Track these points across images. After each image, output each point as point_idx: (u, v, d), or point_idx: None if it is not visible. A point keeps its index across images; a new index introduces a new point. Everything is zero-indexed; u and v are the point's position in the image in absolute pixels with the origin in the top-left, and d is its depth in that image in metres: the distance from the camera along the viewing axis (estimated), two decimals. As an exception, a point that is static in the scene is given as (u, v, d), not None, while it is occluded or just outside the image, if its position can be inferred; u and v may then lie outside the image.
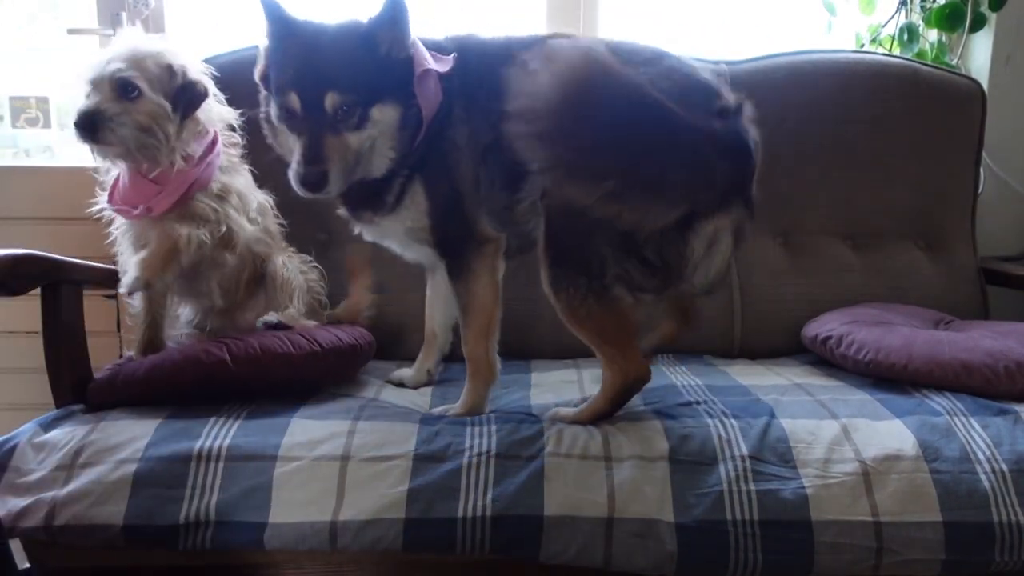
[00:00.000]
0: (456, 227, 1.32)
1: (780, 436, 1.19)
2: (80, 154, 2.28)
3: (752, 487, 1.12)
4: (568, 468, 1.13)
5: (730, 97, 1.23)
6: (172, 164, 1.33)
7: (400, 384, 1.53)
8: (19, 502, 1.12)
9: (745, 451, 1.16)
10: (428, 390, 1.51)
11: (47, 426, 1.21)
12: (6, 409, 2.02)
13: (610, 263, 1.19)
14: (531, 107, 1.06)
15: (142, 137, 1.28)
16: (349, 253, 1.68)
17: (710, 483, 1.12)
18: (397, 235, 1.39)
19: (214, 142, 1.40)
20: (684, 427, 1.21)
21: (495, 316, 1.35)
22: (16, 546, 1.13)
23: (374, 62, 1.23)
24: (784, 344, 1.76)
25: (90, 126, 1.24)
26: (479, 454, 1.14)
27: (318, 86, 1.20)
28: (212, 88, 1.37)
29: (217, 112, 1.40)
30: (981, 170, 1.95)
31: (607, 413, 1.26)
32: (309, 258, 1.64)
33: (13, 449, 1.17)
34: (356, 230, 1.43)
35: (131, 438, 1.16)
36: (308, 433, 1.18)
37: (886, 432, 1.20)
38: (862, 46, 2.19)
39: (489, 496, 1.10)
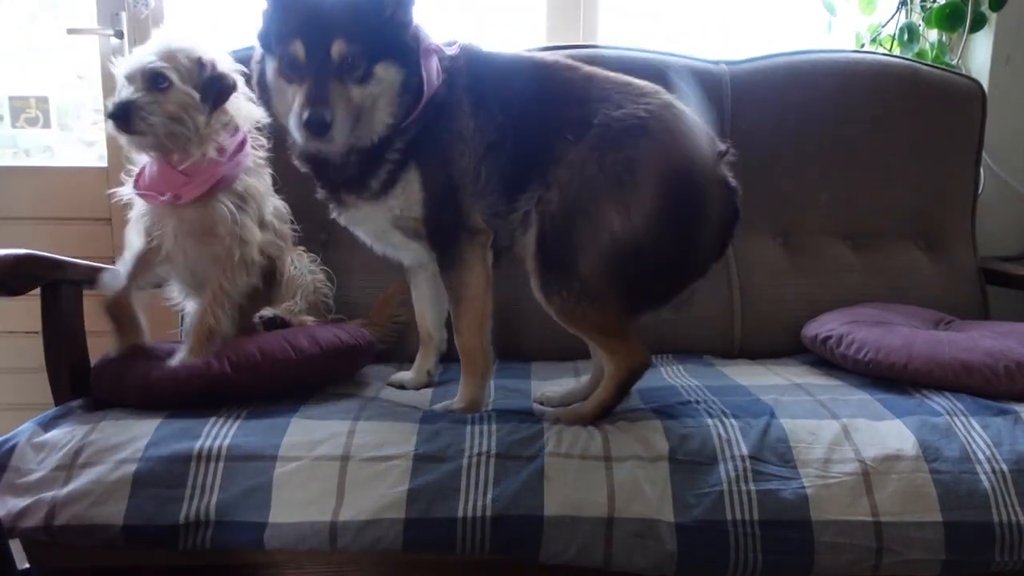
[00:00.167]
0: (450, 217, 1.32)
1: (780, 436, 1.19)
2: (80, 154, 2.30)
3: (752, 487, 1.12)
4: (568, 468, 1.13)
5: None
6: (204, 155, 1.36)
7: (400, 387, 1.53)
8: (19, 502, 1.12)
9: (745, 451, 1.16)
10: (429, 391, 1.51)
11: (46, 425, 1.21)
12: (6, 409, 2.03)
13: (602, 268, 1.21)
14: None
15: (172, 126, 1.32)
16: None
17: (710, 483, 1.12)
18: (378, 223, 1.37)
19: (243, 142, 1.43)
20: (684, 427, 1.21)
21: (488, 305, 1.35)
22: (16, 546, 1.12)
23: (379, 20, 1.23)
24: (784, 344, 1.75)
25: (124, 116, 1.28)
26: (479, 454, 1.14)
27: (325, 34, 1.19)
28: (242, 86, 1.38)
29: (247, 110, 1.42)
30: (981, 170, 1.96)
31: (613, 404, 1.27)
32: (317, 258, 1.64)
33: (13, 449, 1.17)
34: (333, 214, 1.42)
35: (131, 438, 1.16)
36: (308, 433, 1.17)
37: (886, 432, 1.20)
38: (862, 46, 2.19)
39: (489, 496, 1.10)
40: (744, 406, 1.29)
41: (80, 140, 2.32)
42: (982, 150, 1.92)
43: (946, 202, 1.91)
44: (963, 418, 1.24)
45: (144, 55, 1.32)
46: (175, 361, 1.29)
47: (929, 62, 2.02)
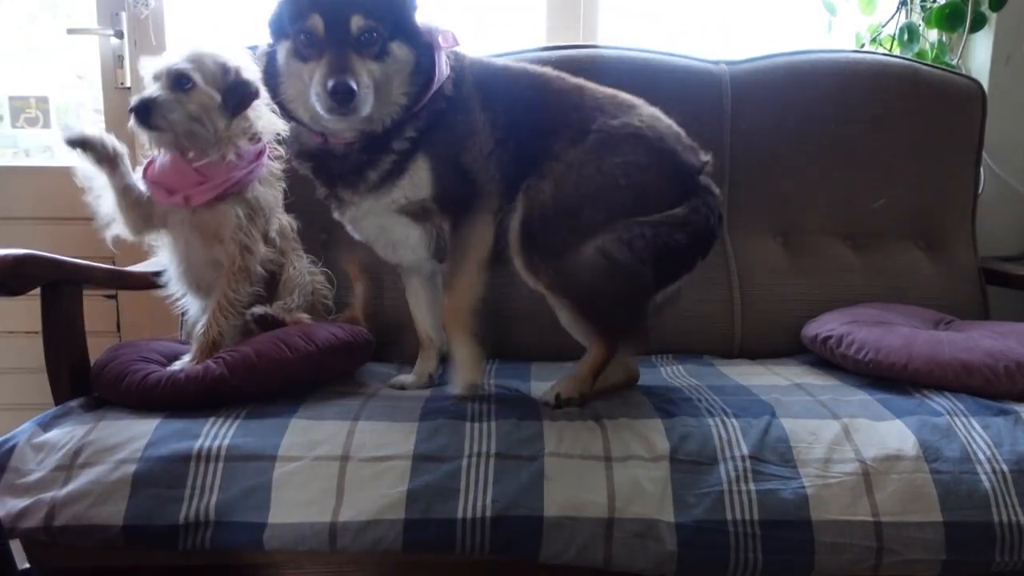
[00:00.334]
0: (464, 189, 1.33)
1: (780, 436, 1.19)
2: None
3: (752, 487, 1.12)
4: (568, 468, 1.13)
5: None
6: (222, 157, 1.38)
7: (402, 389, 1.52)
8: (19, 502, 1.12)
9: (745, 451, 1.16)
10: (429, 392, 1.51)
11: (46, 425, 1.21)
12: (6, 409, 2.03)
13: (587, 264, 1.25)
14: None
15: (191, 125, 1.35)
16: (345, 255, 1.68)
17: (710, 483, 1.12)
18: (379, 216, 1.38)
19: (262, 151, 1.45)
20: (684, 427, 1.21)
21: (483, 271, 1.35)
22: (16, 546, 1.12)
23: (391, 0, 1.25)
24: (784, 344, 1.75)
25: (145, 112, 1.32)
26: (479, 454, 1.14)
27: (343, 8, 1.21)
28: (266, 97, 1.39)
29: (269, 120, 1.43)
30: (981, 170, 1.95)
31: (590, 384, 1.33)
32: (318, 260, 1.65)
33: (12, 449, 1.16)
34: (336, 214, 1.43)
35: (130, 438, 1.16)
36: (307, 433, 1.17)
37: (886, 432, 1.20)
38: (862, 46, 2.19)
39: (489, 496, 1.10)
40: (744, 406, 1.29)
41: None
42: (982, 150, 1.92)
43: (946, 202, 1.91)
44: (963, 418, 1.24)
45: (173, 57, 1.36)
46: (177, 367, 1.32)
47: (929, 62, 2.02)
